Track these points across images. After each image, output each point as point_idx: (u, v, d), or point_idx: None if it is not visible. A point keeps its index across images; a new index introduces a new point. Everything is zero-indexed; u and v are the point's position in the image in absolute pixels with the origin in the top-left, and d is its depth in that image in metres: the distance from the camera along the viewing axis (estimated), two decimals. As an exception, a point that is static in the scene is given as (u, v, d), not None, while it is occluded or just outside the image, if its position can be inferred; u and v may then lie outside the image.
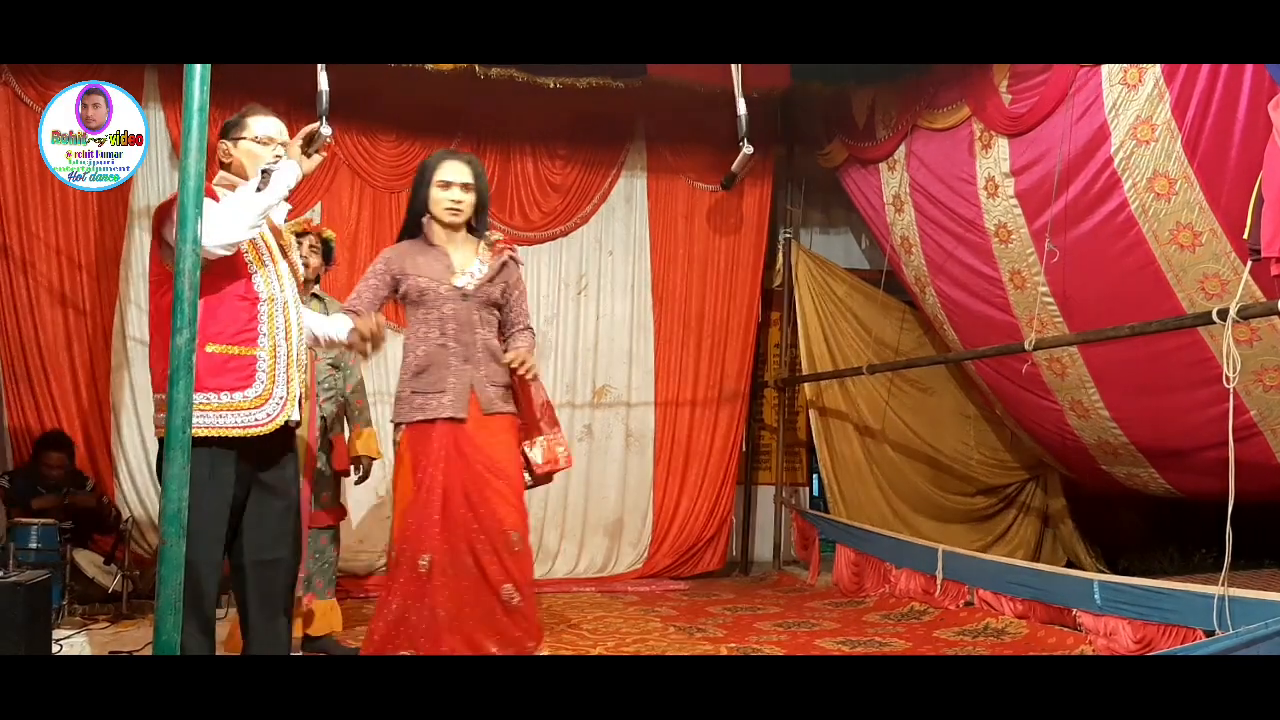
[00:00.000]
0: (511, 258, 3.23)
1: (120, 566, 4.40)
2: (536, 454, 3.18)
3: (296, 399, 2.61)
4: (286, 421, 2.59)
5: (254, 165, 2.60)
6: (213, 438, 2.46)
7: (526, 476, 3.20)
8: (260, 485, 2.61)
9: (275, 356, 2.56)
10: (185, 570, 2.41)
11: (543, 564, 5.63)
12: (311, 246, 3.83)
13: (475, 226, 3.20)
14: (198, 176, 2.19)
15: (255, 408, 2.51)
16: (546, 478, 3.27)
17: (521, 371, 3.11)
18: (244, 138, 2.66)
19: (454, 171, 3.13)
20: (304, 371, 2.69)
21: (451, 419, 3.04)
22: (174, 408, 2.14)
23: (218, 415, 2.47)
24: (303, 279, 2.77)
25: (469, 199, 3.13)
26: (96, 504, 4.61)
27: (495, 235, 3.27)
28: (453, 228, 3.15)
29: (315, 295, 3.89)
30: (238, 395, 2.49)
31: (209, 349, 2.48)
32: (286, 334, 2.59)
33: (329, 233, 3.97)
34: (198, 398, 2.44)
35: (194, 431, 2.43)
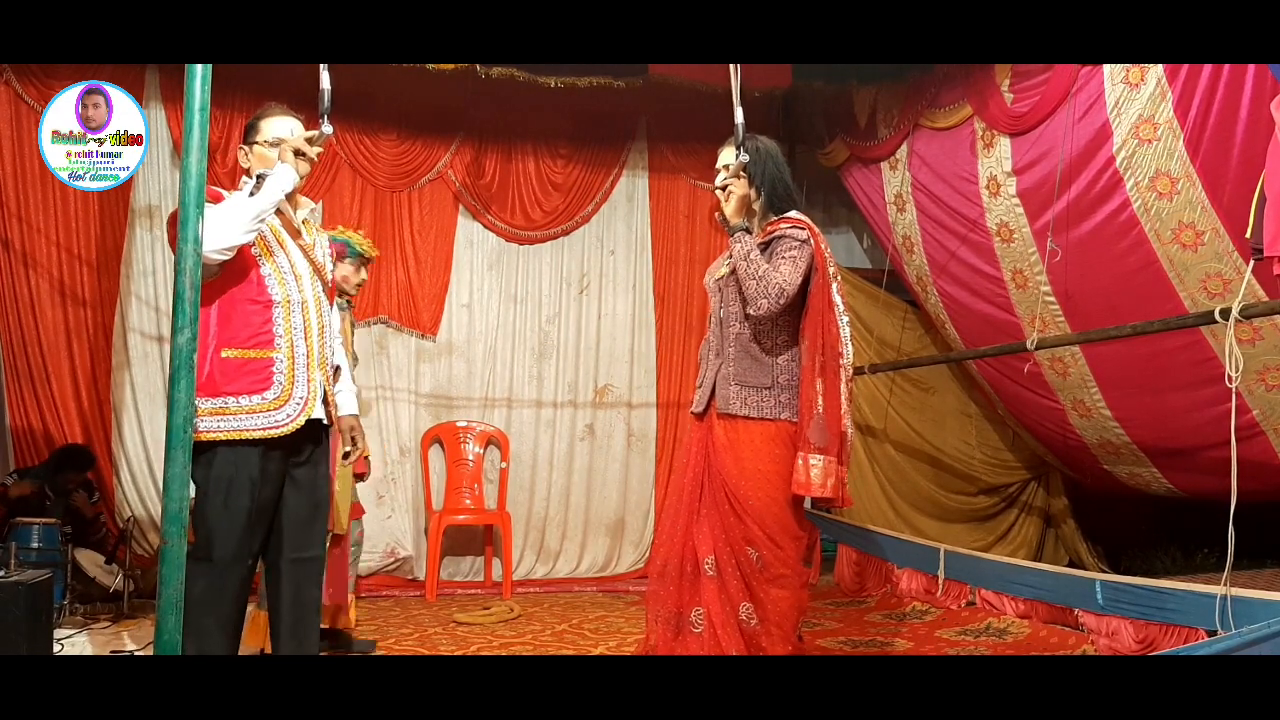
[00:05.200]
0: (781, 235, 2.81)
1: (121, 566, 4.41)
2: (800, 471, 2.75)
3: (320, 397, 2.64)
4: (312, 420, 2.62)
5: (267, 168, 2.62)
6: (235, 440, 2.50)
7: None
8: (293, 483, 2.65)
9: (294, 357, 2.59)
10: (211, 569, 2.46)
11: (544, 563, 5.64)
12: (353, 261, 3.91)
13: (765, 210, 2.91)
14: (198, 176, 2.20)
15: (275, 409, 2.55)
16: (823, 501, 2.84)
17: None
18: (257, 142, 2.69)
19: (720, 158, 2.96)
20: (328, 370, 2.71)
21: (698, 415, 2.94)
22: (174, 407, 2.15)
23: (238, 419, 2.52)
24: (330, 279, 2.78)
25: (733, 183, 2.85)
26: (94, 512, 4.58)
27: (774, 216, 2.87)
28: (733, 217, 2.88)
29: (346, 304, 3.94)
30: (256, 398, 2.54)
31: (225, 354, 2.52)
32: (306, 334, 2.62)
33: (372, 252, 4.06)
34: (217, 402, 2.49)
35: (216, 435, 2.49)
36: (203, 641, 2.43)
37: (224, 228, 2.44)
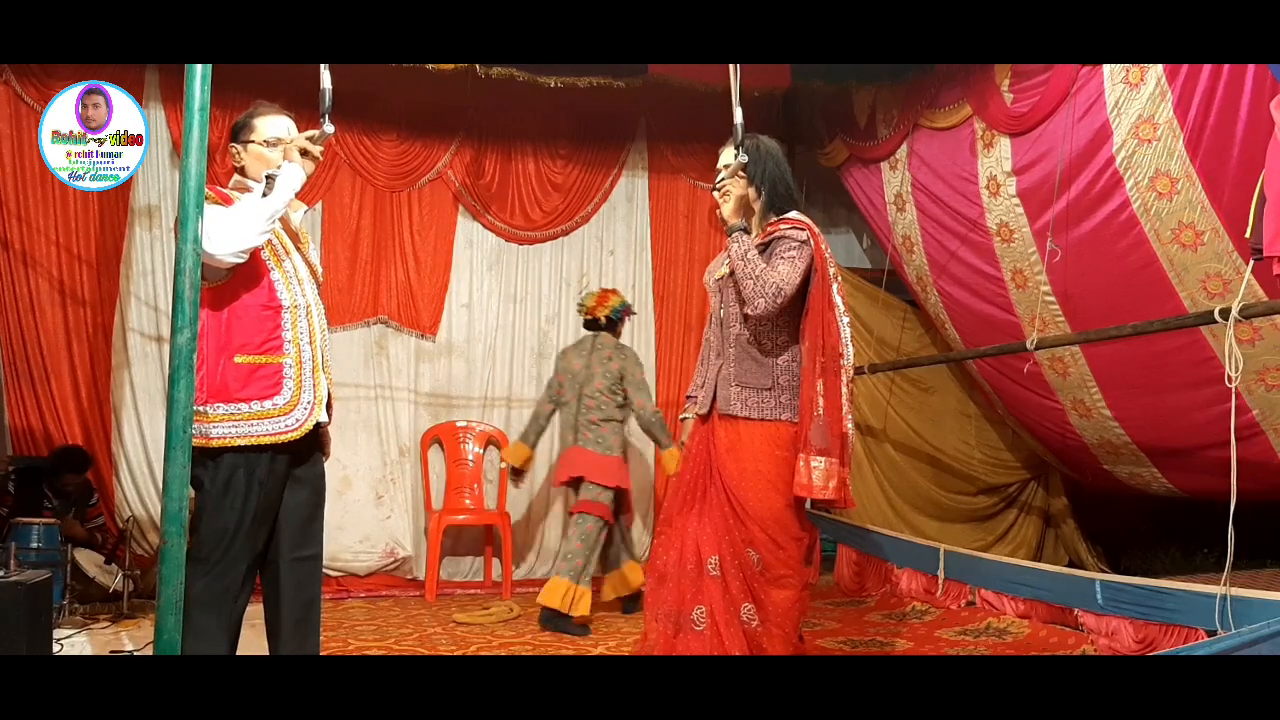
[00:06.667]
0: (780, 236, 2.79)
1: (121, 566, 4.41)
2: (802, 473, 2.72)
3: (324, 402, 2.66)
4: (316, 423, 2.64)
5: (264, 168, 2.62)
6: (245, 446, 2.51)
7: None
8: (294, 482, 2.66)
9: (300, 362, 2.60)
10: (215, 569, 2.46)
11: (544, 563, 5.63)
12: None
13: (765, 211, 2.90)
14: (198, 176, 2.20)
15: (284, 414, 2.56)
16: (825, 503, 2.81)
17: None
18: (253, 141, 2.67)
19: (721, 158, 2.93)
20: (330, 373, 2.73)
21: (701, 416, 2.93)
22: (174, 407, 2.15)
23: (249, 424, 2.53)
24: (321, 280, 2.79)
25: (731, 184, 2.85)
26: (87, 535, 4.58)
27: (774, 216, 2.87)
28: (730, 217, 2.87)
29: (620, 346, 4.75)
30: (267, 403, 2.55)
31: (237, 360, 2.53)
32: (310, 339, 2.64)
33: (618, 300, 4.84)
34: (229, 408, 2.50)
35: (227, 440, 2.50)
36: (203, 642, 2.43)
37: (240, 230, 2.45)
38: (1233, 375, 3.14)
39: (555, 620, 4.29)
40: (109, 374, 4.95)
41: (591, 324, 4.79)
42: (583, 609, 4.31)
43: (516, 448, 4.87)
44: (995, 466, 5.99)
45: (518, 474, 4.88)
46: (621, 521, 4.72)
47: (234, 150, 2.70)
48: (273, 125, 2.68)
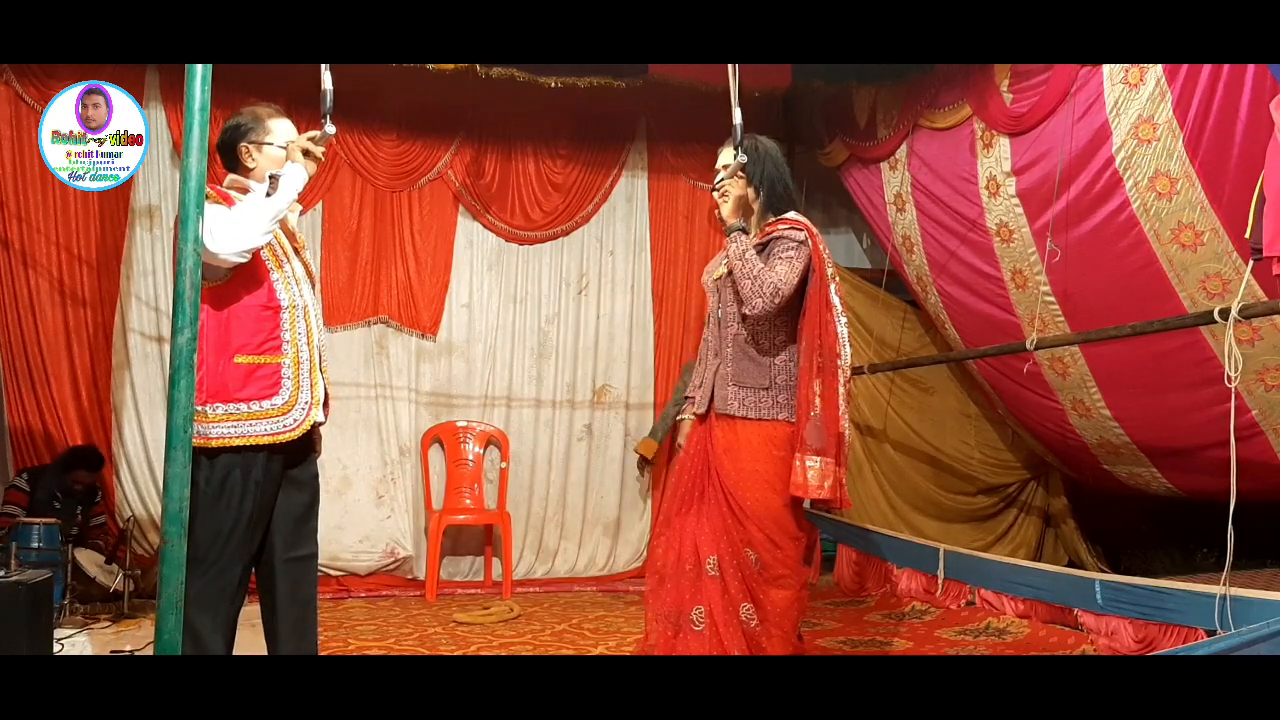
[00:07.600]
0: (779, 236, 2.81)
1: (122, 566, 4.41)
2: (798, 473, 2.73)
3: (321, 402, 2.67)
4: (313, 423, 2.65)
5: (276, 169, 2.63)
6: (243, 445, 2.52)
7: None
8: (289, 482, 2.67)
9: (298, 363, 2.61)
10: (211, 569, 2.47)
11: (543, 563, 5.64)
12: None
13: (764, 211, 2.91)
14: (198, 176, 2.20)
15: (282, 414, 2.58)
16: (822, 503, 2.85)
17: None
18: (269, 143, 2.69)
19: (720, 158, 2.96)
20: (327, 374, 2.73)
21: (699, 416, 2.93)
22: (174, 407, 2.15)
23: (249, 424, 2.54)
24: (316, 281, 2.80)
25: (730, 184, 2.87)
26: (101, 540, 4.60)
27: (772, 217, 2.89)
28: (729, 217, 2.89)
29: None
30: (265, 403, 2.56)
31: (237, 360, 2.54)
32: (308, 339, 2.65)
33: None
34: (228, 408, 2.52)
35: (225, 440, 2.51)
36: (199, 643, 2.44)
37: (244, 230, 2.46)
38: (1232, 375, 3.14)
39: None
40: (109, 374, 4.95)
41: None
42: None
43: (647, 443, 5.57)
44: (995, 466, 5.99)
45: (645, 463, 5.62)
46: None
47: (245, 149, 2.69)
48: (287, 128, 2.71)
